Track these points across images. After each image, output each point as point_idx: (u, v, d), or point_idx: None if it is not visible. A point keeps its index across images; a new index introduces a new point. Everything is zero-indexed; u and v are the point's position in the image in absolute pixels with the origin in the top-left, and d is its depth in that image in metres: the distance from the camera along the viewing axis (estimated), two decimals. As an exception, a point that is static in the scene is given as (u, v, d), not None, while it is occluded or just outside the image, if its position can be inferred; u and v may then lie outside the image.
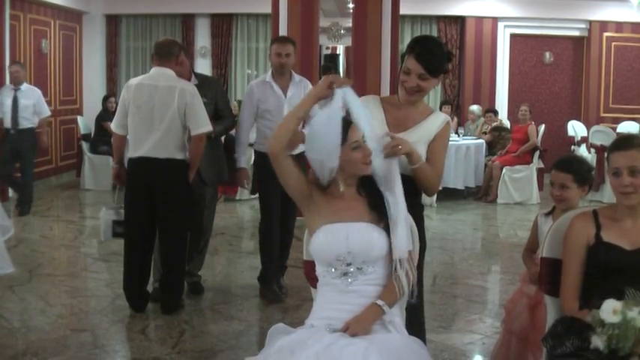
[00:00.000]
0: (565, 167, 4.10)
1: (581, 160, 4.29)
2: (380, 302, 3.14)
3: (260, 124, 6.56)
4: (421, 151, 3.70)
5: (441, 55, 3.77)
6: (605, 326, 2.76)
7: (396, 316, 3.23)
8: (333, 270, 3.20)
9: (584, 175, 4.06)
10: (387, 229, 3.22)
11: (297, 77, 6.60)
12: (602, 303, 2.81)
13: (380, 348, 2.91)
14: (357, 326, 3.06)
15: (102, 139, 12.53)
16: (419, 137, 3.75)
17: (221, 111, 6.54)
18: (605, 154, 3.28)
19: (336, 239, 3.17)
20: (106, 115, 12.73)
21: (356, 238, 3.16)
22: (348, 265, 3.18)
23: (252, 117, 6.53)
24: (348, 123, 3.24)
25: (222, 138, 7.02)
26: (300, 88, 6.55)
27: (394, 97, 3.94)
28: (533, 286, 4.10)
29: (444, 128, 3.83)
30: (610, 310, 2.77)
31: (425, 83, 3.73)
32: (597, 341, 2.78)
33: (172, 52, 5.98)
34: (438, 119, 3.85)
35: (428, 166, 3.69)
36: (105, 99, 13.24)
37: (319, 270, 3.29)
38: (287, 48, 6.46)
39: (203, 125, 5.87)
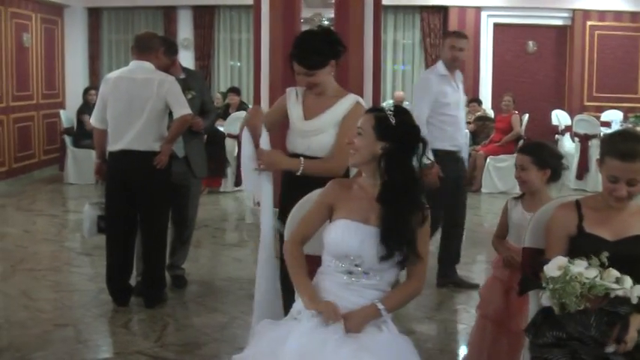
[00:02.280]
0: (525, 149, 4.31)
1: (545, 145, 4.37)
2: (380, 305, 3.10)
3: (435, 120, 6.31)
4: (330, 135, 4.04)
5: (319, 49, 4.00)
6: (549, 282, 2.80)
7: (389, 317, 3.20)
8: (339, 264, 3.17)
9: (543, 158, 4.14)
10: (403, 255, 3.12)
11: (458, 71, 6.60)
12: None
13: (370, 348, 2.91)
14: (351, 323, 3.02)
15: (84, 132, 12.46)
16: (325, 122, 4.06)
17: (206, 105, 6.56)
18: (600, 150, 3.20)
19: (351, 238, 3.12)
20: (85, 108, 12.68)
21: (371, 245, 3.10)
22: (356, 266, 3.14)
23: (429, 110, 6.29)
24: None
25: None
26: (461, 82, 6.57)
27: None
28: (507, 271, 4.18)
29: (353, 109, 4.03)
30: (555, 266, 2.81)
31: (316, 78, 4.02)
32: (545, 299, 2.81)
33: (152, 46, 5.97)
34: (347, 102, 4.07)
35: (313, 163, 4.00)
36: (85, 91, 13.14)
37: (325, 257, 3.26)
38: (462, 42, 6.43)
39: (185, 107, 5.87)
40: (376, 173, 3.17)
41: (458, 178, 6.52)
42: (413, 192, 3.16)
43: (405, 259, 3.12)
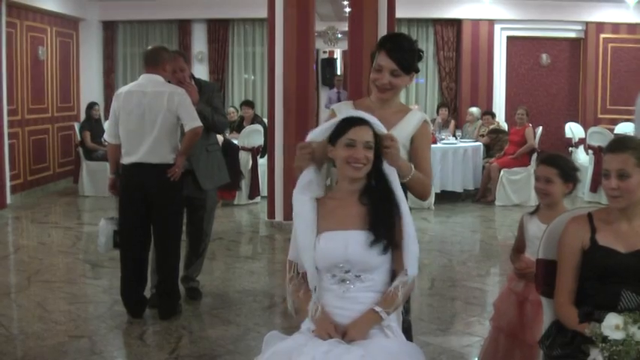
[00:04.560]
0: (550, 162, 4.16)
1: (567, 158, 4.36)
2: (378, 308, 3.13)
3: None
4: (400, 153, 3.51)
5: (412, 52, 3.74)
6: (607, 342, 2.73)
7: (393, 321, 3.23)
8: (331, 276, 3.21)
9: (568, 172, 4.11)
10: (388, 240, 3.18)
11: None
12: (601, 315, 2.78)
13: (376, 355, 2.92)
14: (355, 332, 3.07)
15: (89, 150, 12.63)
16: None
17: (216, 110, 6.49)
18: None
19: (335, 247, 3.17)
20: (87, 124, 12.84)
21: (355, 247, 3.15)
22: (347, 272, 3.18)
23: None
24: (352, 123, 3.27)
25: (221, 143, 7.01)
26: None
27: (366, 99, 3.90)
28: (521, 283, 4.17)
29: (422, 127, 3.78)
30: (612, 325, 2.73)
31: (397, 80, 3.70)
32: (598, 355, 2.75)
33: (159, 59, 6.00)
34: (414, 119, 3.79)
35: (419, 173, 3.60)
36: (89, 107, 13.21)
37: (320, 273, 3.28)
38: None
39: (196, 120, 5.90)
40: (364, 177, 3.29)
41: None
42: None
43: (388, 243, 3.17)
